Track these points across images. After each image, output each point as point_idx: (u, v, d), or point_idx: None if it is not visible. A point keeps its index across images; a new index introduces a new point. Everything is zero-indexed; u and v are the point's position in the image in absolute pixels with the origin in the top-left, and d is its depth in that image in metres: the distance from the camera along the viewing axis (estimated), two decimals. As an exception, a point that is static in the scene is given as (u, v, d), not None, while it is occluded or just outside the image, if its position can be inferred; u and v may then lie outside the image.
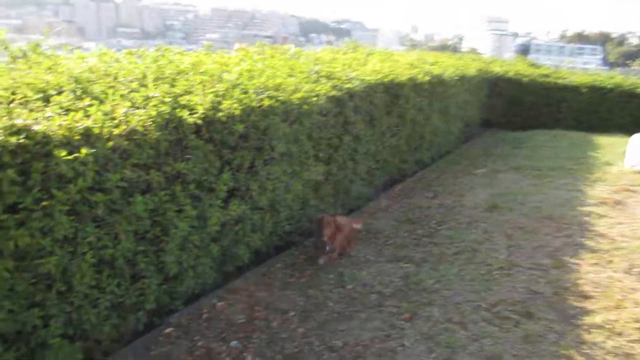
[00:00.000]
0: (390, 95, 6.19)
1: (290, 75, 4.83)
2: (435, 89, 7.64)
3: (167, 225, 3.12)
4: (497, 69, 12.01)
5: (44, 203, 2.37)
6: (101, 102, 2.99)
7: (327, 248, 4.29)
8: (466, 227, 5.00)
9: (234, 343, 3.06)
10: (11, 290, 2.31)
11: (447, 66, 8.74)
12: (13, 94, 2.80)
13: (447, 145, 8.77)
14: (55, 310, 2.50)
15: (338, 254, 4.39)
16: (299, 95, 4.48)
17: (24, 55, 3.38)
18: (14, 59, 3.30)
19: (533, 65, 14.63)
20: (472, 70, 10.00)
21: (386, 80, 6.11)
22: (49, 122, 2.50)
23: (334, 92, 4.98)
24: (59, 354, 2.49)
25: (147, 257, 3.04)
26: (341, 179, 5.25)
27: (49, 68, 3.25)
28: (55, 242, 2.45)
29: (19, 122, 2.36)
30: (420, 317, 3.35)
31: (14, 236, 2.25)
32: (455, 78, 8.57)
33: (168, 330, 3.15)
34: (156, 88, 3.37)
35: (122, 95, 3.17)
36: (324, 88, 4.89)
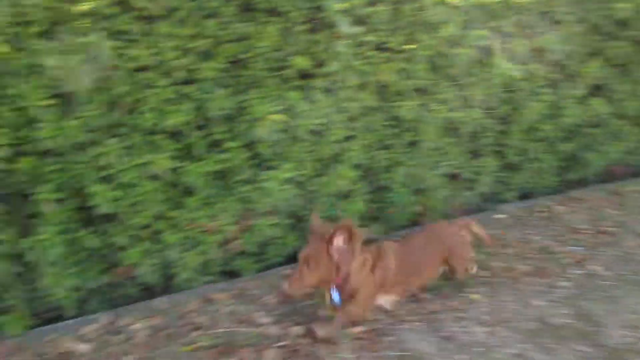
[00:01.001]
0: None
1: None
2: None
3: (519, 106, 2.84)
4: None
5: (406, 46, 2.37)
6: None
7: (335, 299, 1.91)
8: None
9: (572, 248, 2.63)
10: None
11: None
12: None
13: None
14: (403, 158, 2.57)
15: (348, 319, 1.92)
16: None
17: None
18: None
19: None
20: None
21: None
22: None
23: None
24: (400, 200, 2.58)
25: (494, 136, 2.84)
26: None
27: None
28: (410, 90, 2.46)
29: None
30: None
31: (379, 71, 2.33)
32: None
33: (497, 216, 2.93)
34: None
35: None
36: None
